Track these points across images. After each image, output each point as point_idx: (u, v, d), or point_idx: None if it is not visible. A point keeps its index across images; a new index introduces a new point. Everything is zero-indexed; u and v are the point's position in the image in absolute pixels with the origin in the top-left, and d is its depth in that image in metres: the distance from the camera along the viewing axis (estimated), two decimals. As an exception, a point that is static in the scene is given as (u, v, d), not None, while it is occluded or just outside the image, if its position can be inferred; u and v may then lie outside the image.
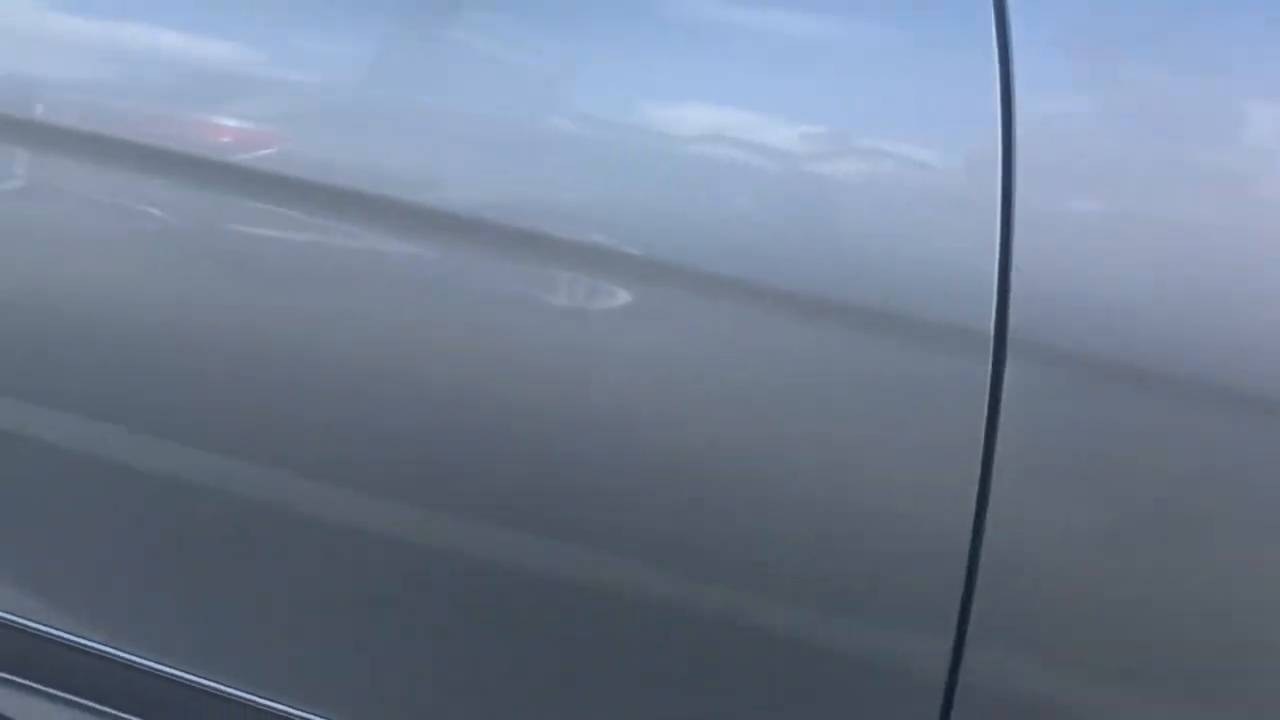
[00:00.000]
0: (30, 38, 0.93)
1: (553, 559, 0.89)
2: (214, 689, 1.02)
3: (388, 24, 0.86)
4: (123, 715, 1.08)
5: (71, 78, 0.93)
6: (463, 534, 0.90)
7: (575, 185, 0.82)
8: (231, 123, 0.89)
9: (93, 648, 1.05)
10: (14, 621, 1.09)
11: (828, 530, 0.81)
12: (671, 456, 0.83)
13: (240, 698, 1.01)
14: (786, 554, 0.82)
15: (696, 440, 0.82)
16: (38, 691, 1.12)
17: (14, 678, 1.12)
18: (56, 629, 1.07)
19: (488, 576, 0.91)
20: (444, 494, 0.89)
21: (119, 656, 1.04)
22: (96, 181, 0.92)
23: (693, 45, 0.80)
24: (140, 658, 1.03)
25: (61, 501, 1.02)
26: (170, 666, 1.03)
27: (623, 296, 0.82)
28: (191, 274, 0.92)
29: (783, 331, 0.79)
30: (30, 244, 0.96)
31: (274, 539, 0.95)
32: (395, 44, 0.86)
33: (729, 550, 0.84)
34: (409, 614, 0.95)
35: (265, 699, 1.01)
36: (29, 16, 0.94)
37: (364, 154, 0.86)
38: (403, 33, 0.86)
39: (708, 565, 0.85)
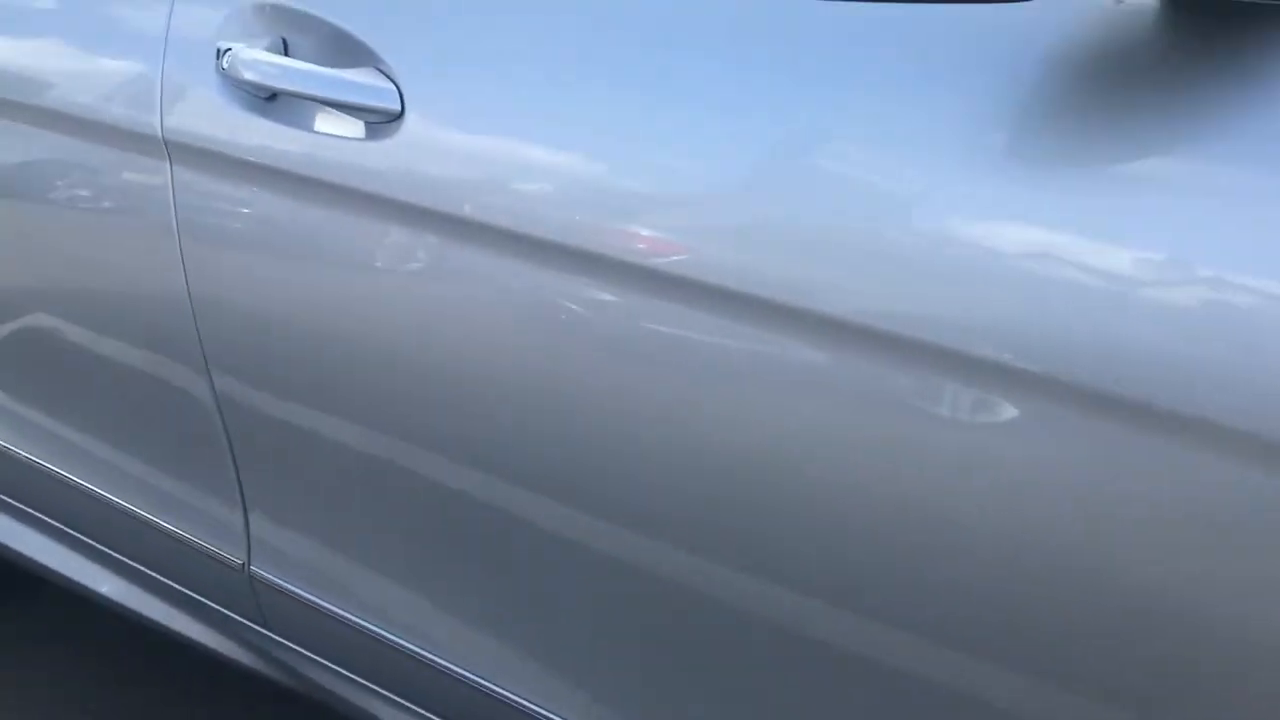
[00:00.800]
0: (470, 152, 1.07)
1: (942, 670, 0.91)
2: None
3: (770, 152, 0.92)
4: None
5: (502, 182, 1.04)
6: (844, 629, 0.95)
7: (960, 299, 0.82)
8: (646, 231, 0.97)
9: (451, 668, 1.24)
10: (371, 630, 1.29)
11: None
12: (1047, 577, 0.83)
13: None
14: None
15: (1080, 562, 0.81)
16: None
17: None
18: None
19: (864, 671, 0.95)
20: (839, 590, 0.93)
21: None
22: (515, 275, 1.03)
23: (1060, 174, 0.80)
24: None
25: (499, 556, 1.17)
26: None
27: (1008, 411, 0.82)
28: (603, 367, 1.01)
29: (1186, 461, 0.76)
30: (446, 327, 1.10)
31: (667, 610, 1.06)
32: (778, 167, 0.91)
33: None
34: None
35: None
36: (466, 136, 1.08)
37: (760, 261, 0.90)
38: (783, 158, 0.91)
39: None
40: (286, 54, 1.18)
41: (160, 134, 1.26)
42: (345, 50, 1.13)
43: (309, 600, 1.36)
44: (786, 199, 0.90)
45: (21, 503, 1.76)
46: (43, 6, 1.45)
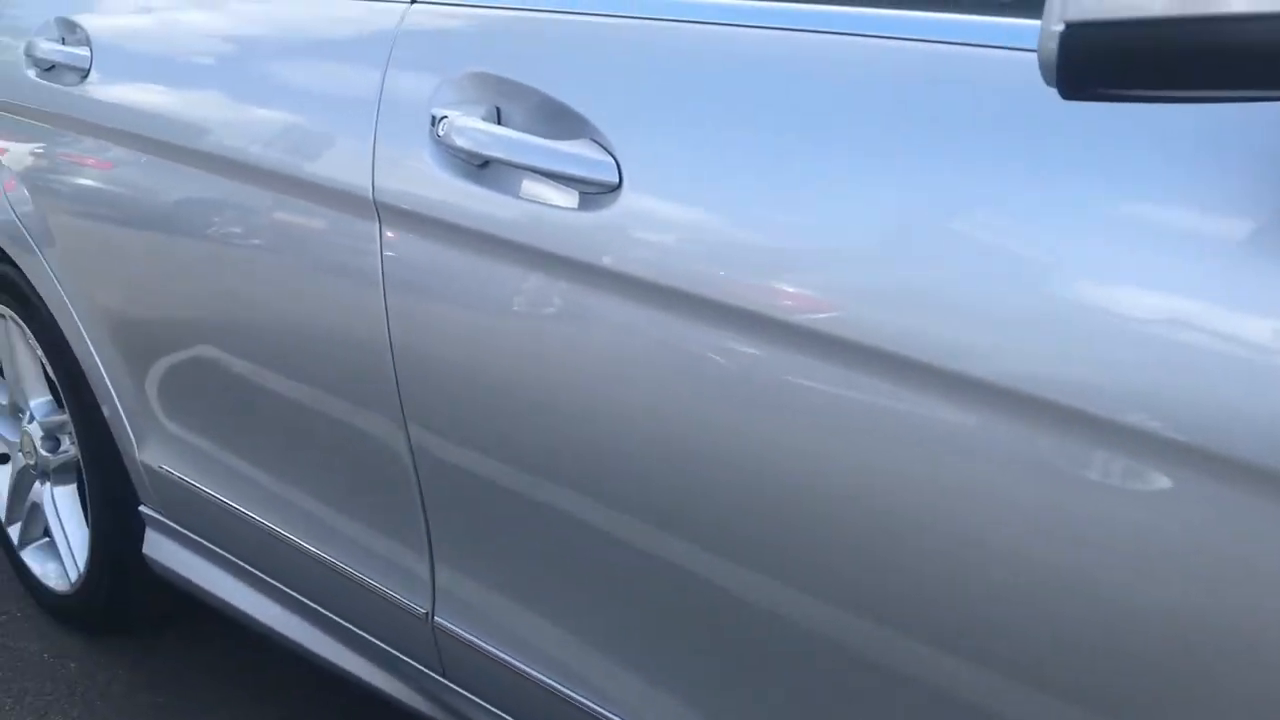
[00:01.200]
0: (690, 224, 1.09)
1: None
2: None
3: (924, 216, 0.94)
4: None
5: (720, 256, 1.05)
6: (989, 689, 0.96)
7: (1110, 367, 0.83)
8: (791, 288, 1.00)
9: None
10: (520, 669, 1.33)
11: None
12: (1186, 644, 0.83)
13: None
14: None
15: (1227, 639, 0.81)
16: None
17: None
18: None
19: None
20: (984, 649, 0.95)
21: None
22: (721, 345, 1.06)
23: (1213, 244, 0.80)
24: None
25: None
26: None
27: (1160, 481, 0.83)
28: (745, 418, 1.05)
29: None
30: (644, 394, 1.12)
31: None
32: (932, 231, 0.93)
33: None
34: None
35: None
36: (685, 209, 1.10)
37: (910, 323, 0.93)
38: (937, 222, 0.93)
39: None
40: (500, 122, 1.21)
41: (372, 196, 1.31)
42: (559, 120, 1.16)
43: (491, 652, 1.38)
44: (940, 263, 0.92)
45: (203, 538, 1.82)
46: (260, 70, 1.52)
